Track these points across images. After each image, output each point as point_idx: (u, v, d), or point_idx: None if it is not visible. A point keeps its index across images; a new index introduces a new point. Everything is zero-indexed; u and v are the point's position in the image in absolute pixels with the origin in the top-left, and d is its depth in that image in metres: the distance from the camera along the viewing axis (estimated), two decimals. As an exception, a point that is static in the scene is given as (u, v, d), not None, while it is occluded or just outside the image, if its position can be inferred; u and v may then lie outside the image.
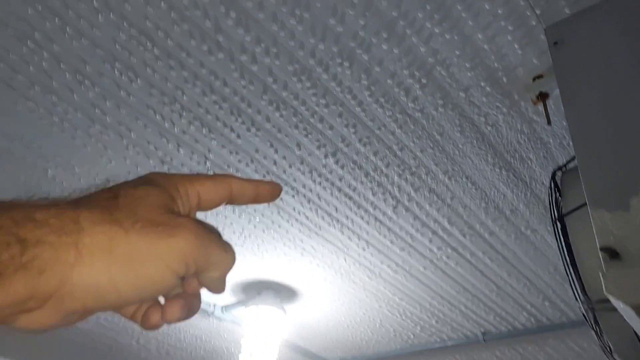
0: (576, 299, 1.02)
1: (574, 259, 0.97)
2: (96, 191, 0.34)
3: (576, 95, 0.82)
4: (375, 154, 1.37)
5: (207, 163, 1.46)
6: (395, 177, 1.45)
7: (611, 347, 0.95)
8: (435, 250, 1.76)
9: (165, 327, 1.86)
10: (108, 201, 0.32)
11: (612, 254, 0.69)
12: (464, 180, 1.43)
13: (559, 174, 1.12)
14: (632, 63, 0.78)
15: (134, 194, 0.33)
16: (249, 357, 1.99)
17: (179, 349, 2.71)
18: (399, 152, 1.36)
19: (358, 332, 2.43)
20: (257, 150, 1.40)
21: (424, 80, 1.13)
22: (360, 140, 1.34)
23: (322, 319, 2.32)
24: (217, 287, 0.37)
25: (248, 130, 1.33)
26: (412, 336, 2.41)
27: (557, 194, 1.07)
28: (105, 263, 0.30)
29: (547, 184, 1.38)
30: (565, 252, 0.98)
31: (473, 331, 2.30)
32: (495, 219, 1.59)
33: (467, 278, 1.91)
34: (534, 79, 1.07)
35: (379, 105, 1.22)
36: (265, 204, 1.56)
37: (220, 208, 1.55)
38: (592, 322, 0.97)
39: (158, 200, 0.33)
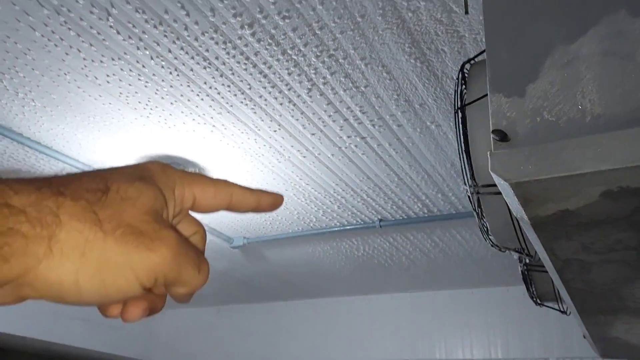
0: (465, 183, 1.09)
1: (469, 147, 1.02)
2: (88, 174, 0.31)
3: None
4: (294, 30, 1.31)
5: (110, 19, 1.32)
6: (313, 58, 1.41)
7: (488, 228, 1.05)
8: (345, 138, 1.80)
9: None
10: (95, 194, 0.30)
11: (502, 136, 0.72)
12: (380, 68, 1.43)
13: (467, 66, 1.14)
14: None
15: (125, 192, 0.31)
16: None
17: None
18: (318, 31, 1.31)
19: (266, 214, 2.49)
20: (166, 11, 1.29)
21: (351, -47, 1.07)
22: (279, 13, 1.27)
23: (228, 198, 2.34)
24: (182, 300, 0.35)
25: (157, -14, 1.21)
26: (314, 219, 2.53)
27: (463, 86, 1.10)
28: (75, 265, 0.28)
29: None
30: (462, 140, 1.03)
31: (371, 217, 2.44)
32: (405, 112, 1.63)
33: (372, 167, 1.98)
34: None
35: (302, -24, 1.15)
36: (174, 74, 1.48)
37: (124, 73, 1.44)
38: (476, 205, 1.05)
39: (148, 204, 0.31)
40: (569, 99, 0.67)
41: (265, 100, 1.62)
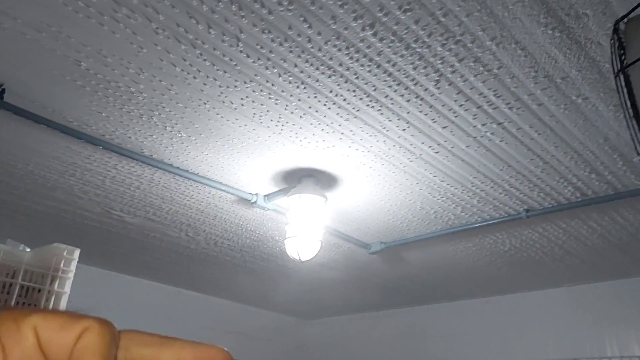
0: (637, 152, 0.97)
1: (637, 111, 0.90)
2: None
3: None
4: (416, 22, 1.28)
5: (240, 45, 1.40)
6: (438, 48, 1.36)
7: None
8: (479, 126, 1.70)
9: (211, 218, 1.91)
10: None
11: None
12: (512, 46, 1.34)
13: (621, 25, 1.02)
14: None
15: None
16: (294, 242, 2.06)
17: (226, 239, 2.83)
18: (442, 19, 1.26)
19: (399, 215, 2.46)
20: (290, 27, 1.33)
21: None
22: (400, 8, 1.24)
23: (362, 204, 2.35)
24: None
25: (279, 4, 1.25)
26: (452, 217, 2.43)
27: (620, 46, 0.98)
28: None
29: (604, 45, 1.28)
30: (628, 106, 0.91)
31: (516, 208, 2.29)
32: (545, 89, 1.50)
33: (512, 154, 1.86)
34: None
35: (421, -36, 1.11)
36: (301, 87, 1.51)
37: (256, 94, 1.50)
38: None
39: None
40: None
41: (392, 99, 1.59)
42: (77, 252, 1.50)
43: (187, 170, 2.11)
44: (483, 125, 1.70)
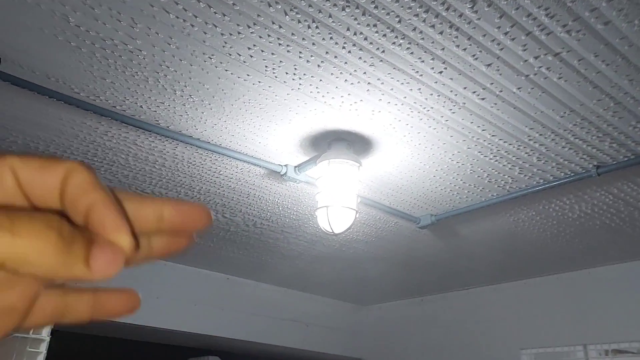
0: None
1: None
2: None
3: None
4: None
5: (232, -24, 1.20)
6: (469, -47, 1.10)
7: None
8: (531, 60, 1.42)
9: (245, 196, 1.72)
10: None
11: None
12: (564, -61, 1.06)
13: None
14: None
15: None
16: (326, 213, 1.85)
17: (265, 219, 2.66)
18: None
19: (447, 182, 2.19)
20: (286, -55, 1.11)
21: None
22: None
23: (404, 170, 2.10)
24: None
25: None
26: (510, 180, 2.14)
27: None
28: None
29: None
30: None
31: (583, 165, 1.97)
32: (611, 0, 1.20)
33: (574, 95, 1.56)
34: None
35: None
36: (313, 27, 1.29)
37: (263, 40, 1.29)
38: None
39: None
40: None
41: (421, 32, 1.34)
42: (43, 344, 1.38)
43: (208, 142, 1.95)
44: (535, 58, 1.41)
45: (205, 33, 1.39)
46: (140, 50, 1.48)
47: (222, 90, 1.64)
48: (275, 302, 3.93)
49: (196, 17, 1.34)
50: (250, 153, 2.03)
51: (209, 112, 1.77)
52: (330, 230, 1.82)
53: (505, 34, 1.33)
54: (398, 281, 3.66)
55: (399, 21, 1.31)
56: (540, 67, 1.44)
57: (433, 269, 3.31)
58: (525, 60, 1.42)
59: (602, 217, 2.38)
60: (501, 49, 1.38)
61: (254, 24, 1.35)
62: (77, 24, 1.38)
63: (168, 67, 1.55)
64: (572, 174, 2.04)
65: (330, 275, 3.61)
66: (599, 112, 1.62)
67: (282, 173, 2.10)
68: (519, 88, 1.54)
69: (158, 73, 1.57)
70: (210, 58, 1.49)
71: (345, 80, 1.55)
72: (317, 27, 1.35)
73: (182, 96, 1.68)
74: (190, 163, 2.13)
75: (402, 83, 1.55)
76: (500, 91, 1.56)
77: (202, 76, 1.58)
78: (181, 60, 1.51)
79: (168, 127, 1.87)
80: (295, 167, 2.09)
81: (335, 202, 1.81)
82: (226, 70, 1.55)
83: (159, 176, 2.26)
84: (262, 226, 2.77)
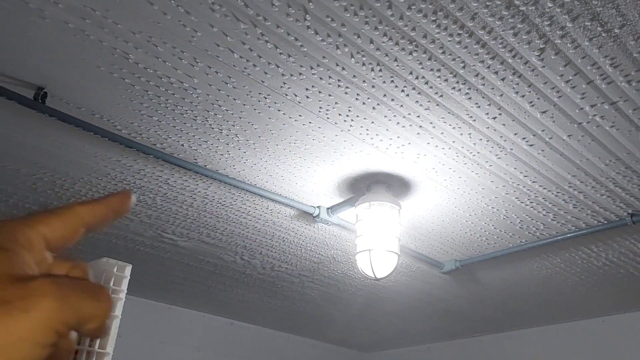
0: None
1: None
2: None
3: None
4: (523, -31, 1.05)
5: (307, 18, 1.20)
6: (548, 3, 1.12)
7: None
8: (587, 108, 1.44)
9: (269, 238, 1.69)
10: None
11: None
12: (644, -7, 1.09)
13: None
14: None
15: None
16: (367, 257, 1.81)
17: (284, 262, 2.61)
18: (556, -39, 1.03)
19: (478, 227, 2.18)
20: (367, -10, 1.12)
21: None
22: (503, -48, 1.02)
23: (437, 214, 2.09)
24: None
25: (357, -42, 1.05)
26: (542, 226, 2.13)
27: None
28: None
29: None
30: None
31: (618, 213, 1.98)
32: (678, 50, 1.23)
33: (623, 143, 1.58)
34: None
35: None
36: (377, 70, 1.29)
37: (323, 82, 1.29)
38: None
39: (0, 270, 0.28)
40: None
41: (483, 78, 1.36)
42: (128, 268, 1.32)
43: (244, 181, 1.92)
44: (592, 106, 1.43)
45: (266, 73, 1.39)
46: (195, 89, 1.46)
47: (270, 130, 1.63)
48: (277, 348, 3.81)
49: (260, 57, 1.33)
50: (285, 194, 2.00)
51: (252, 152, 1.74)
52: (372, 275, 1.78)
53: (567, 82, 1.35)
54: (407, 327, 3.59)
55: (464, 67, 1.32)
56: (594, 115, 1.46)
57: (445, 315, 3.25)
58: (581, 109, 1.44)
59: (627, 266, 2.37)
60: (560, 97, 1.40)
61: (318, 65, 1.35)
62: (136, 61, 1.37)
63: (220, 106, 1.53)
64: (606, 222, 2.04)
65: (338, 320, 3.53)
66: (644, 160, 1.64)
67: (314, 215, 2.07)
68: (569, 135, 1.55)
69: (208, 112, 1.56)
70: (266, 98, 1.48)
71: (398, 122, 1.55)
72: (380, 70, 1.35)
73: (228, 135, 1.66)
74: (220, 203, 2.08)
75: (454, 127, 1.55)
76: (550, 138, 1.57)
77: (252, 116, 1.56)
78: (235, 100, 1.50)
79: (205, 165, 1.84)
80: (328, 208, 2.06)
81: (378, 245, 1.77)
82: (279, 111, 1.54)
83: (184, 216, 2.21)
84: (280, 269, 2.70)
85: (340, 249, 2.42)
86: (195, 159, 1.81)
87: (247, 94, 1.47)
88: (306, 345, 3.96)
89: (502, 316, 3.21)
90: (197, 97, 1.49)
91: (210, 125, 1.62)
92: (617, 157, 1.64)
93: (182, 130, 1.65)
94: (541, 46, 1.24)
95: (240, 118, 1.58)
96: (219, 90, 1.46)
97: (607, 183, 1.79)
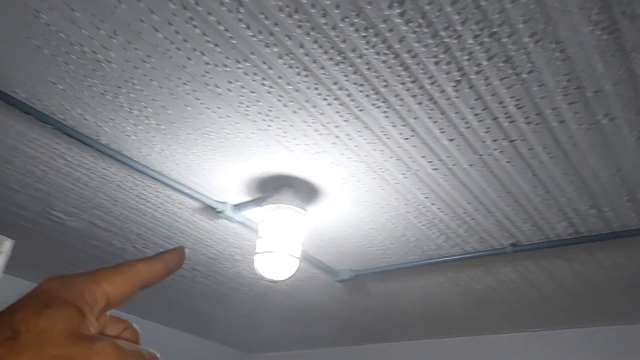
0: None
1: None
2: None
3: None
4: (453, 3, 1.11)
5: (241, 10, 1.18)
6: (469, 40, 1.20)
7: None
8: (489, 142, 1.55)
9: (166, 228, 1.64)
10: (6, 344, 0.27)
11: None
12: (552, 46, 1.19)
13: None
14: None
15: (36, 327, 0.28)
16: (267, 259, 1.80)
17: (179, 254, 2.51)
18: (483, 2, 1.10)
19: (376, 240, 2.25)
20: (305, -6, 1.13)
21: None
22: (438, -16, 1.07)
23: (340, 224, 2.14)
24: None
25: (300, -39, 1.05)
26: (434, 247, 2.26)
27: None
28: None
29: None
30: None
31: (502, 242, 2.14)
32: (573, 103, 1.36)
33: (516, 179, 1.71)
34: None
35: None
36: (303, 75, 1.30)
37: (248, 78, 1.27)
38: None
39: (67, 327, 0.29)
40: None
41: (402, 100, 1.41)
42: (8, 244, 1.20)
43: (148, 167, 1.84)
44: (494, 141, 1.54)
45: (189, 59, 1.34)
46: (110, 63, 1.38)
47: (185, 118, 1.57)
48: (157, 342, 3.65)
49: (186, 41, 1.29)
50: (191, 185, 1.94)
51: (162, 137, 1.67)
52: (270, 277, 1.77)
53: (476, 115, 1.44)
54: (293, 331, 3.62)
55: (386, 85, 1.37)
56: (495, 149, 1.57)
57: (332, 322, 3.33)
58: (484, 142, 1.55)
59: (502, 291, 2.58)
60: (467, 128, 1.49)
61: (245, 60, 1.33)
62: (48, 22, 1.26)
63: (134, 85, 1.45)
64: (490, 249, 2.21)
65: (225, 319, 3.48)
66: (531, 197, 1.80)
67: (218, 210, 2.02)
68: (470, 165, 1.66)
69: (120, 89, 1.47)
70: (185, 84, 1.43)
71: (316, 130, 1.57)
72: (306, 75, 1.36)
73: (138, 116, 1.58)
74: (119, 186, 1.97)
75: (368, 142, 1.60)
76: (454, 165, 1.67)
77: (168, 100, 1.50)
78: (151, 81, 1.43)
79: (109, 145, 1.73)
80: (235, 205, 2.03)
81: (279, 248, 1.77)
82: (197, 99, 1.49)
83: (76, 195, 2.06)
84: (174, 261, 2.61)
85: (240, 247, 2.39)
86: (98, 136, 1.70)
87: (166, 77, 1.41)
88: (189, 341, 3.86)
89: (385, 327, 3.35)
90: (112, 71, 1.41)
91: (121, 103, 1.53)
92: (509, 190, 1.78)
93: (88, 104, 1.54)
94: (458, 78, 1.31)
95: (154, 100, 1.51)
96: (136, 68, 1.39)
97: (497, 213, 1.93)
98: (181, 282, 2.85)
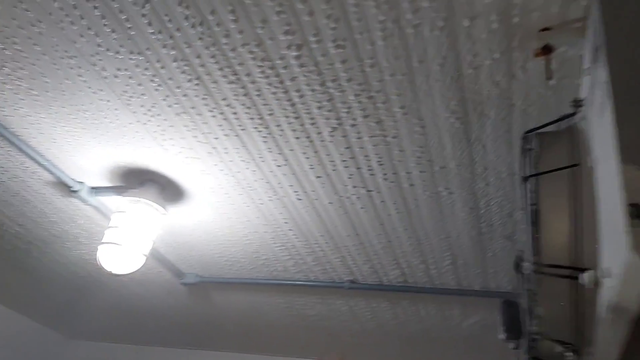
0: (517, 264, 1.03)
1: (538, 220, 0.95)
2: None
3: (621, 44, 0.77)
4: (343, 61, 1.24)
5: (146, 7, 1.20)
6: (351, 96, 1.33)
7: (538, 313, 0.95)
8: (350, 187, 1.70)
9: (10, 194, 1.57)
10: None
11: (638, 212, 0.64)
12: (415, 121, 1.37)
13: (532, 135, 1.10)
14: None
15: None
16: (113, 250, 1.77)
17: (18, 224, 2.34)
18: (368, 68, 1.24)
19: (228, 252, 2.31)
20: (213, 11, 1.18)
21: (435, -6, 1.03)
22: (334, 41, 1.19)
23: (198, 229, 2.16)
24: None
25: (216, -17, 1.11)
26: (281, 269, 2.37)
27: (530, 154, 1.05)
28: None
29: (487, 148, 1.38)
30: (530, 210, 0.96)
31: (342, 277, 2.32)
32: (423, 171, 1.56)
33: (365, 224, 1.89)
34: (541, 30, 1.03)
35: (375, 6, 1.08)
36: (194, 82, 1.34)
37: (138, 70, 1.29)
38: (528, 284, 0.97)
39: None
40: None
41: (282, 130, 1.51)
42: None
43: (7, 127, 1.72)
44: (354, 187, 1.70)
45: (81, 36, 1.31)
46: (-7, 14, 1.30)
47: (63, 91, 1.51)
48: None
49: (82, 18, 1.26)
50: (50, 158, 1.85)
51: (31, 102, 1.59)
52: (110, 270, 1.74)
53: (343, 161, 1.58)
54: (123, 324, 3.50)
55: (271, 114, 1.45)
56: (353, 194, 1.73)
57: (167, 323, 3.28)
58: (346, 186, 1.70)
59: (330, 320, 2.76)
60: (334, 170, 1.63)
61: (139, 53, 1.34)
62: None
63: (14, 44, 1.38)
64: (330, 281, 2.37)
65: (53, 300, 3.26)
66: (374, 242, 1.99)
67: (73, 189, 1.94)
68: (330, 202, 1.81)
69: (-3, 43, 1.38)
70: (70, 59, 1.39)
71: (195, 136, 1.60)
72: (197, 84, 1.40)
73: (10, 75, 1.49)
74: (-34, 139, 1.81)
75: (243, 160, 1.67)
76: (316, 199, 1.80)
77: (48, 69, 1.44)
78: (35, 46, 1.37)
79: (-33, 95, 1.60)
80: (93, 188, 1.96)
81: (128, 243, 1.75)
82: (79, 76, 1.45)
83: None
84: (10, 230, 2.42)
85: (88, 231, 2.30)
86: (-43, 83, 1.56)
87: (52, 47, 1.36)
88: (8, 317, 3.53)
89: (216, 335, 3.38)
90: (-8, 23, 1.32)
91: (-6, 57, 1.43)
92: (357, 232, 1.95)
93: (-46, 47, 1.42)
94: (335, 125, 1.45)
95: (32, 65, 1.44)
96: (21, 28, 1.32)
97: (343, 250, 2.10)
98: (13, 252, 2.64)
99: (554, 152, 1.01)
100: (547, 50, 1.02)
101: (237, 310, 2.90)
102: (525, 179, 1.01)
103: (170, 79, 1.40)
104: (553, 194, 0.95)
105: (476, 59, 1.15)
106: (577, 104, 1.03)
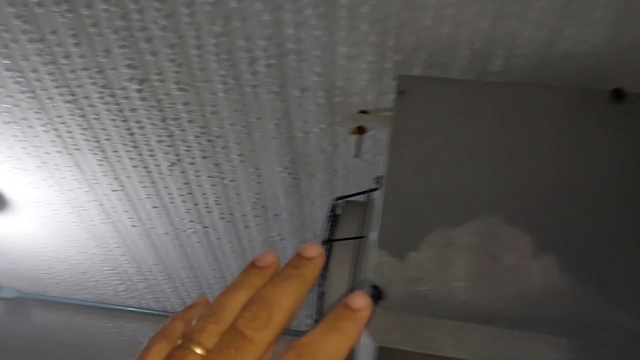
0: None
1: (325, 281, 1.04)
2: None
3: (404, 142, 0.89)
4: (185, 104, 1.26)
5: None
6: (191, 137, 1.36)
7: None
8: (187, 221, 1.71)
9: None
10: None
11: (377, 294, 0.74)
12: (252, 169, 1.43)
13: (339, 202, 1.20)
14: (454, 139, 0.88)
15: None
16: None
17: None
18: (209, 115, 1.28)
19: (55, 270, 2.17)
20: (54, 32, 1.15)
21: (273, 61, 1.10)
22: (177, 83, 1.22)
23: (22, 242, 2.01)
24: None
25: (56, 3, 1.08)
26: (111, 292, 2.27)
27: (333, 220, 1.15)
28: None
29: (318, 205, 1.49)
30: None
31: (174, 306, 2.29)
32: (257, 216, 1.62)
33: (200, 258, 1.90)
34: (360, 112, 1.15)
35: (216, 60, 1.13)
36: (27, 94, 1.29)
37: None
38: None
39: None
40: (442, 279, 0.72)
41: (120, 157, 1.48)
42: None
43: None
44: (191, 221, 1.71)
45: None
46: None
47: None
48: None
49: None
50: None
51: None
52: None
53: (181, 195, 1.59)
54: None
55: (108, 139, 1.43)
56: (189, 229, 1.74)
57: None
58: (182, 219, 1.70)
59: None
60: (171, 202, 1.63)
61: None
62: None
63: None
64: (164, 310, 2.33)
65: None
66: (209, 277, 2.01)
67: None
68: (165, 233, 1.79)
69: None
70: None
71: (24, 148, 1.51)
72: (32, 97, 1.33)
73: None
74: None
75: (75, 179, 1.60)
76: (151, 228, 1.78)
77: None
78: None
79: None
80: None
81: None
82: None
83: None
84: None
85: None
86: None
87: None
88: None
89: (36, 357, 3.11)
90: None
91: None
92: (191, 265, 1.95)
93: None
94: (174, 161, 1.46)
95: None
96: None
97: (176, 281, 2.08)
98: None
99: (350, 222, 1.12)
100: (361, 130, 1.14)
101: (60, 331, 2.71)
102: (323, 243, 1.10)
103: (1, 86, 1.32)
104: (341, 261, 1.04)
105: (306, 125, 1.24)
106: (379, 181, 1.15)
